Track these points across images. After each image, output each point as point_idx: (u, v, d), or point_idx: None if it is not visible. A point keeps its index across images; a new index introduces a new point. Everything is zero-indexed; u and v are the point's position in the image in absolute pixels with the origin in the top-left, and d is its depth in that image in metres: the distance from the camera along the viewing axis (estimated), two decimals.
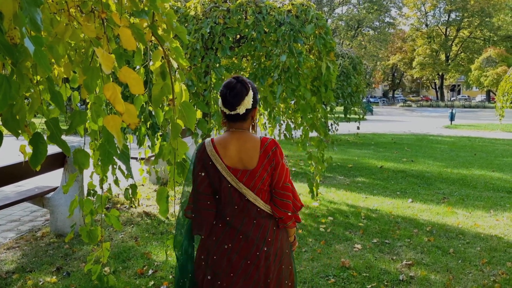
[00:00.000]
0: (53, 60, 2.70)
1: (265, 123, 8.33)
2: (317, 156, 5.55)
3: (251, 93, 2.07)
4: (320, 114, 5.56)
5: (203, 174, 2.09)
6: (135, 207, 5.69)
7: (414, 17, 55.79)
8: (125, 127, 3.23)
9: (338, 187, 7.17)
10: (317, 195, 5.59)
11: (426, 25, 55.81)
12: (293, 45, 4.96)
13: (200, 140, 5.64)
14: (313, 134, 5.54)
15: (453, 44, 54.44)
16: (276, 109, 6.16)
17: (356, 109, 12.77)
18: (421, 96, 68.71)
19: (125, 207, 5.78)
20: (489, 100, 54.62)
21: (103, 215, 3.28)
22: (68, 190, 3.25)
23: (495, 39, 51.97)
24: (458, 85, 69.85)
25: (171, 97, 2.44)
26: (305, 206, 5.83)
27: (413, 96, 68.39)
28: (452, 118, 21.82)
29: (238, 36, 5.73)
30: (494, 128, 19.88)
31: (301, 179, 7.73)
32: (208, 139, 2.15)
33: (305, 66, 5.14)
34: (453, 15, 53.90)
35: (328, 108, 6.79)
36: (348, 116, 12.29)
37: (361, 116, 13.09)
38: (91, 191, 3.27)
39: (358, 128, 12.66)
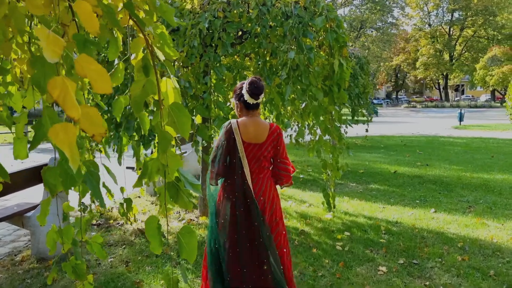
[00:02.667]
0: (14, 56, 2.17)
1: None
2: (331, 164, 4.97)
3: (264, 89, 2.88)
4: (333, 116, 5.01)
5: (225, 143, 2.83)
6: (130, 224, 5.14)
7: (417, 17, 55.22)
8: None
9: (351, 195, 6.59)
10: (334, 207, 5.02)
11: (429, 25, 55.23)
12: (302, 40, 4.40)
13: (201, 148, 5.07)
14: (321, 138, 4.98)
15: (457, 43, 53.83)
16: (283, 111, 5.60)
17: (363, 110, 12.19)
18: (425, 96, 68.09)
19: (118, 223, 5.22)
20: (494, 100, 53.93)
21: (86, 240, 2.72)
22: (45, 221, 2.68)
23: (499, 37, 51.31)
24: (462, 85, 69.14)
25: (156, 97, 1.89)
26: (318, 219, 5.27)
27: (416, 97, 67.71)
28: (461, 118, 21.20)
29: (240, 32, 5.19)
30: (505, 128, 19.24)
31: (311, 187, 7.16)
32: (234, 119, 2.91)
33: (316, 63, 4.59)
34: (456, 14, 53.33)
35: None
36: (356, 118, 11.72)
37: (370, 118, 12.51)
38: (68, 216, 2.71)
39: (366, 130, 12.07)
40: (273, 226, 2.86)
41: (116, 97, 2.24)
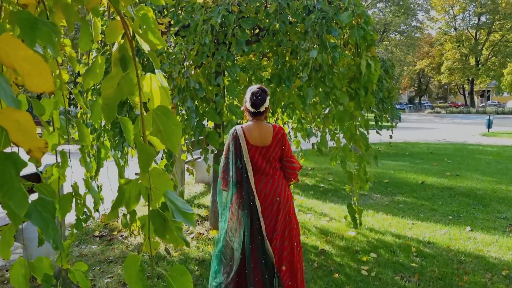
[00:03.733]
0: None
1: (289, 132, 7.29)
2: (359, 175, 4.46)
3: (267, 98, 3.03)
4: (359, 122, 4.51)
5: (233, 149, 2.97)
6: (134, 237, 4.72)
7: (442, 21, 53.90)
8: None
9: (375, 208, 6.05)
10: (360, 224, 4.50)
11: (455, 29, 53.81)
12: (325, 37, 3.92)
13: (209, 157, 4.63)
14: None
15: (484, 48, 52.27)
16: (304, 116, 5.11)
17: (387, 116, 11.59)
18: (449, 102, 66.47)
19: (122, 235, 4.82)
20: None
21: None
22: (9, 254, 2.26)
23: None
24: (488, 91, 67.24)
25: (137, 98, 1.45)
26: (340, 237, 4.76)
27: (440, 102, 66.17)
28: (489, 125, 20.29)
29: (257, 29, 4.74)
30: None
31: (331, 198, 6.64)
32: (239, 126, 3.05)
33: (341, 63, 4.10)
34: (483, 18, 51.79)
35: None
36: (380, 123, 11.13)
37: (395, 124, 11.88)
38: (43, 240, 2.29)
39: (391, 137, 11.46)
40: (286, 224, 2.94)
41: (94, 98, 1.78)
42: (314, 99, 4.02)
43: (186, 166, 6.85)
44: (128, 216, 4.47)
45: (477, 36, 52.72)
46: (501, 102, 61.10)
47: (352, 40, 4.34)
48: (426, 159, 11.20)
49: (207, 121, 4.24)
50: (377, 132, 5.43)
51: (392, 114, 11.74)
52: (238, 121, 4.30)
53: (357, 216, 4.38)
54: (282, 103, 4.68)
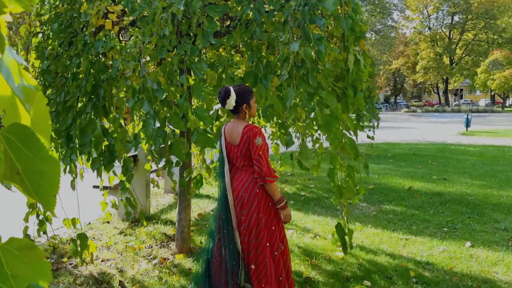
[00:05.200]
0: None
1: (269, 137, 6.64)
2: (348, 187, 3.84)
3: (232, 95, 2.96)
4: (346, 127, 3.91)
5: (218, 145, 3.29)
6: (85, 266, 4.00)
7: (416, 20, 54.31)
8: None
9: (363, 220, 5.47)
10: (351, 248, 3.87)
11: (429, 28, 54.30)
12: (308, 28, 3.29)
13: (174, 170, 3.94)
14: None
15: (457, 47, 52.88)
16: (283, 121, 4.47)
17: (369, 116, 11.09)
18: (423, 101, 67.19)
19: (71, 263, 4.09)
20: (494, 104, 53.01)
21: None
22: None
23: (500, 41, 50.42)
24: (461, 90, 68.26)
25: None
26: (327, 258, 4.14)
27: (415, 101, 66.85)
28: (467, 124, 20.12)
29: (228, 20, 4.09)
30: None
31: (314, 209, 6.04)
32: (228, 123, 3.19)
33: (327, 58, 3.48)
34: (456, 18, 52.39)
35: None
36: (361, 124, 10.61)
37: (376, 125, 11.39)
38: None
39: (372, 138, 10.94)
40: (254, 222, 2.92)
41: None
42: (295, 100, 3.38)
43: (151, 176, 6.14)
44: (79, 241, 3.73)
45: (451, 36, 53.30)
46: (473, 100, 62.06)
47: (338, 31, 3.74)
48: (410, 161, 10.74)
49: (168, 128, 3.55)
50: (369, 137, 4.82)
51: (373, 115, 11.25)
52: (206, 128, 3.64)
53: (347, 238, 3.76)
54: (260, 106, 4.04)
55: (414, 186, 7.60)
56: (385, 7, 41.89)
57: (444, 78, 52.78)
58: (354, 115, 10.14)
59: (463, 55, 52.69)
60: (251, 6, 3.49)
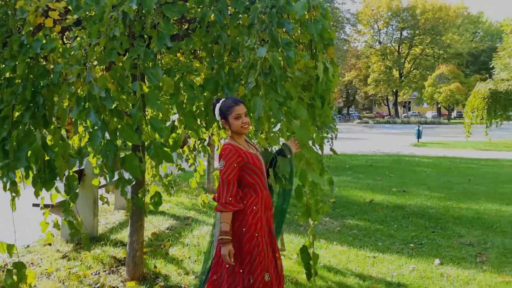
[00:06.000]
0: None
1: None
2: (311, 206, 3.55)
3: (216, 109, 2.79)
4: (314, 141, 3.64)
5: None
6: None
7: (368, 34, 55.99)
8: None
9: (328, 237, 5.22)
10: (316, 274, 3.56)
11: (380, 43, 56.15)
12: (277, 31, 3.01)
13: (128, 189, 3.50)
14: None
15: (406, 61, 54.94)
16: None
17: (328, 127, 10.99)
18: (374, 112, 69.10)
19: None
20: (440, 116, 55.32)
21: None
22: None
23: (445, 56, 52.87)
24: (409, 102, 70.88)
25: None
26: (293, 281, 3.83)
27: (366, 113, 68.59)
28: (419, 135, 20.66)
29: (186, 23, 3.74)
30: (464, 145, 18.79)
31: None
32: None
33: (296, 66, 3.21)
34: (405, 33, 54.50)
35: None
36: (321, 135, 10.49)
37: (334, 136, 11.30)
38: None
39: (335, 152, 10.84)
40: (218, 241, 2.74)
41: None
42: (264, 112, 3.06)
43: (100, 191, 5.63)
44: (15, 271, 3.21)
45: (400, 50, 55.33)
46: (421, 112, 64.56)
47: (306, 38, 3.49)
48: (368, 172, 10.71)
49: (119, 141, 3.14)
50: (332, 150, 4.53)
51: (332, 126, 11.13)
52: (164, 141, 3.26)
53: (312, 263, 3.45)
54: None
55: (375, 199, 7.49)
56: (338, 21, 42.75)
57: (394, 90, 54.58)
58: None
59: (412, 69, 54.81)
60: (213, 7, 3.17)
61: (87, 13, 3.37)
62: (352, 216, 6.32)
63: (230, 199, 2.60)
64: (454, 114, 57.09)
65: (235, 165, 2.63)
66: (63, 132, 3.33)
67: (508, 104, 18.37)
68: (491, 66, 27.29)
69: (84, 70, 2.99)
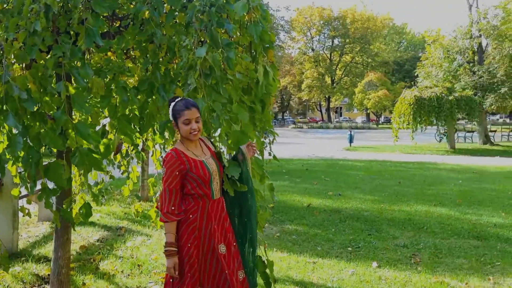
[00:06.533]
0: None
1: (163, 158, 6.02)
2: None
3: (170, 109, 2.59)
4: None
5: None
6: None
7: (301, 41, 57.39)
8: None
9: (268, 244, 5.08)
10: (275, 282, 3.38)
11: (313, 50, 57.73)
12: (216, 31, 2.86)
13: (52, 200, 3.18)
14: None
15: (337, 68, 56.93)
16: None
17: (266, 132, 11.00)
18: (308, 118, 70.92)
19: None
20: (369, 121, 57.88)
21: None
22: None
23: (373, 64, 55.44)
24: (340, 107, 73.56)
25: None
26: None
27: (300, 118, 70.25)
28: (351, 140, 21.38)
29: (118, 21, 3.48)
30: (392, 149, 19.71)
31: None
32: None
33: (236, 68, 3.08)
34: (336, 41, 56.49)
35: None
36: (262, 140, 10.46)
37: (272, 140, 11.33)
38: None
39: (275, 158, 10.85)
40: None
41: None
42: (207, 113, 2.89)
43: (21, 202, 5.14)
44: None
45: (332, 57, 57.25)
46: (351, 117, 67.18)
47: (245, 40, 3.38)
48: (304, 177, 10.83)
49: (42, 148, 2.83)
50: (271, 155, 4.42)
51: (272, 131, 11.15)
52: (92, 147, 2.99)
53: (268, 271, 3.32)
54: (156, 121, 3.46)
55: (312, 203, 7.54)
56: (272, 27, 43.45)
57: (327, 96, 56.30)
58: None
59: (343, 76, 56.90)
60: (147, 4, 2.96)
61: (5, 5, 3.04)
62: (291, 221, 6.30)
63: (173, 208, 2.43)
64: (382, 119, 59.97)
65: (177, 173, 2.45)
66: None
67: (431, 110, 19.48)
68: (415, 74, 28.88)
69: (0, 68, 2.66)
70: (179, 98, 2.59)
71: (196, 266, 2.50)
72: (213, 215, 2.55)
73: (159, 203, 2.55)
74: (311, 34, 56.69)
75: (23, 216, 4.88)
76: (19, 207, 4.85)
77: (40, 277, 3.97)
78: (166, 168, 2.46)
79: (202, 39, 2.93)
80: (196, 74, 2.72)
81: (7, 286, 3.80)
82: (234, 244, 2.65)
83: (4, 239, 4.59)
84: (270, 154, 4.73)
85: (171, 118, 2.59)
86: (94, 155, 2.86)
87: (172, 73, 3.14)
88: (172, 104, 2.57)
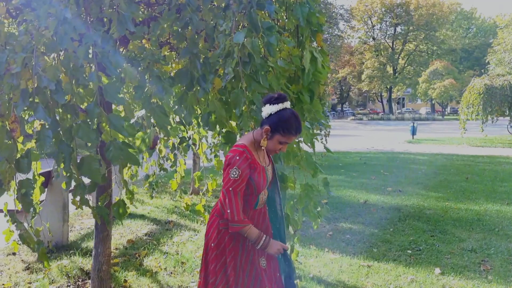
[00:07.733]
0: None
1: (211, 150, 5.89)
2: (307, 210, 3.15)
3: (267, 108, 2.24)
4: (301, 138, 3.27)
5: None
6: None
7: (362, 30, 55.63)
8: None
9: (319, 243, 4.83)
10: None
11: (374, 39, 55.76)
12: (256, 14, 2.58)
13: (87, 196, 3.10)
14: None
15: (400, 57, 54.64)
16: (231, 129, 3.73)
17: (320, 125, 10.59)
18: (368, 109, 68.88)
19: None
20: (434, 112, 55.14)
21: None
22: None
23: (439, 52, 52.66)
24: (403, 98, 70.69)
25: None
26: None
27: (360, 109, 68.34)
28: (414, 132, 20.32)
29: (151, 10, 3.30)
30: (459, 142, 18.48)
31: None
32: None
33: (279, 54, 2.79)
34: (399, 29, 54.16)
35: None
36: (312, 132, 10.09)
37: (328, 133, 10.90)
38: None
39: (330, 151, 10.45)
40: (202, 269, 2.42)
41: None
42: (245, 106, 2.64)
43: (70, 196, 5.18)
44: None
45: (394, 46, 55.00)
46: (415, 108, 64.36)
47: (291, 24, 3.09)
48: (362, 171, 10.33)
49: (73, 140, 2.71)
50: (326, 148, 4.10)
51: (324, 122, 10.73)
52: (126, 140, 2.85)
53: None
54: (199, 113, 3.26)
55: (369, 199, 7.10)
56: (332, 17, 42.37)
57: (388, 87, 54.27)
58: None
59: (406, 65, 54.52)
60: None
61: None
62: (345, 219, 5.93)
63: (243, 218, 2.17)
64: (448, 110, 56.92)
65: (247, 173, 2.17)
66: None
67: (504, 100, 18.06)
68: (485, 61, 26.95)
69: (30, 58, 2.55)
70: (293, 112, 2.25)
71: (233, 275, 2.25)
72: (255, 223, 2.29)
73: (220, 206, 2.27)
74: (372, 23, 54.77)
75: (76, 209, 4.92)
76: (71, 200, 4.90)
77: (84, 272, 3.94)
78: (238, 166, 2.13)
79: (242, 24, 2.68)
80: (234, 62, 2.47)
81: (52, 280, 3.79)
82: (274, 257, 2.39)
83: (54, 231, 4.64)
84: (325, 148, 4.42)
85: (268, 122, 2.22)
86: (130, 149, 2.71)
87: (211, 62, 2.90)
88: (275, 108, 2.21)
